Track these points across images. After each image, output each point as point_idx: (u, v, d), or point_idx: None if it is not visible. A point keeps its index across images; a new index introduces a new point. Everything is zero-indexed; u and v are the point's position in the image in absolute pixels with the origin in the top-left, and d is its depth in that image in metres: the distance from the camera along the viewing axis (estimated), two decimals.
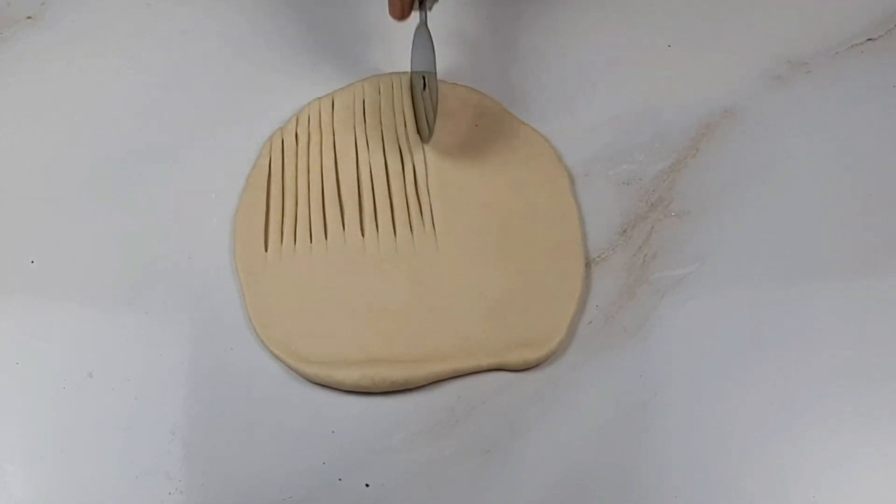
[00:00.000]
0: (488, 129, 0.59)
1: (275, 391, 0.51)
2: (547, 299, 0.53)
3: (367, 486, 0.48)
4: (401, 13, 0.53)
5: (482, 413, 0.50)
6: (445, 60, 0.62)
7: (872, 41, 0.64)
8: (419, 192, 0.57)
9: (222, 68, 0.62)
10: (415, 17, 0.55)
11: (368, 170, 0.57)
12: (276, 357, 0.51)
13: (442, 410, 0.50)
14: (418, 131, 0.59)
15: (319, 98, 0.60)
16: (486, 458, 0.49)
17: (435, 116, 0.56)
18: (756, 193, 0.58)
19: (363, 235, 0.55)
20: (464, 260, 0.54)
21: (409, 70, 0.62)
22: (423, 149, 0.58)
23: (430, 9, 0.56)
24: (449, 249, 0.55)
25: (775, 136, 0.60)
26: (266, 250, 0.54)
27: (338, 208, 0.56)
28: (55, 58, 0.62)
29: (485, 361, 0.51)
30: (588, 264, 0.55)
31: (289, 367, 0.51)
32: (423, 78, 0.57)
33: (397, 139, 0.59)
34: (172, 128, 0.59)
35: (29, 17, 0.63)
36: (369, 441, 0.49)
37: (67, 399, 0.50)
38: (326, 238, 0.55)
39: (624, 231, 0.56)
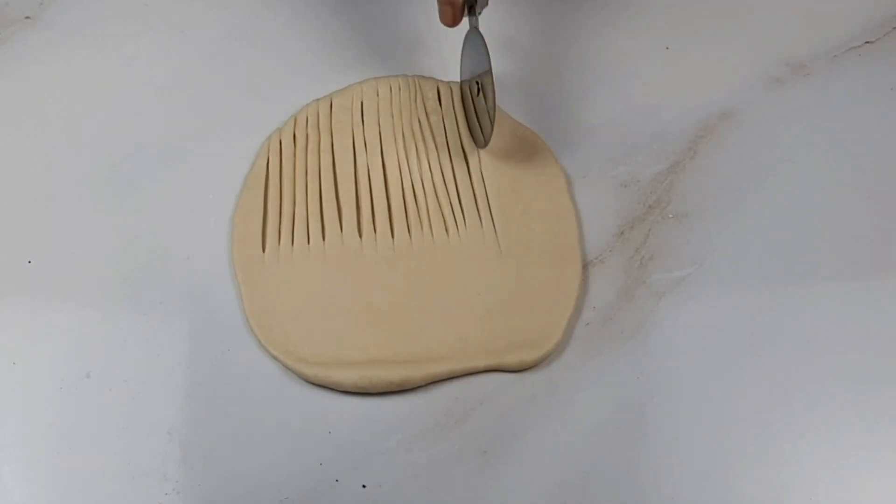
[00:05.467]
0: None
1: (272, 391, 0.51)
2: (544, 301, 0.53)
3: (364, 486, 0.48)
4: (452, 19, 0.53)
5: (480, 414, 0.50)
6: (441, 61, 0.62)
7: (870, 44, 0.64)
8: (416, 194, 0.57)
9: (221, 69, 0.62)
10: (464, 22, 0.55)
11: (366, 171, 0.57)
12: (274, 357, 0.51)
13: (440, 411, 0.50)
14: (473, 138, 0.58)
15: (318, 99, 0.60)
16: (483, 459, 0.49)
17: (493, 121, 0.55)
18: (754, 195, 0.58)
19: (361, 237, 0.55)
20: (461, 261, 0.54)
21: (407, 73, 0.62)
22: (420, 151, 0.58)
23: (480, 13, 0.55)
24: (446, 250, 0.55)
25: (773, 139, 0.60)
26: (264, 251, 0.54)
27: (335, 209, 0.56)
28: (53, 58, 0.62)
29: (482, 362, 0.51)
30: (586, 266, 0.55)
31: (286, 367, 0.51)
32: (477, 83, 0.57)
33: (395, 141, 0.59)
34: (170, 128, 0.59)
35: (27, 18, 0.63)
36: (367, 442, 0.49)
37: (65, 399, 0.50)
38: (324, 239, 0.55)
39: (622, 233, 0.56)
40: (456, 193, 0.57)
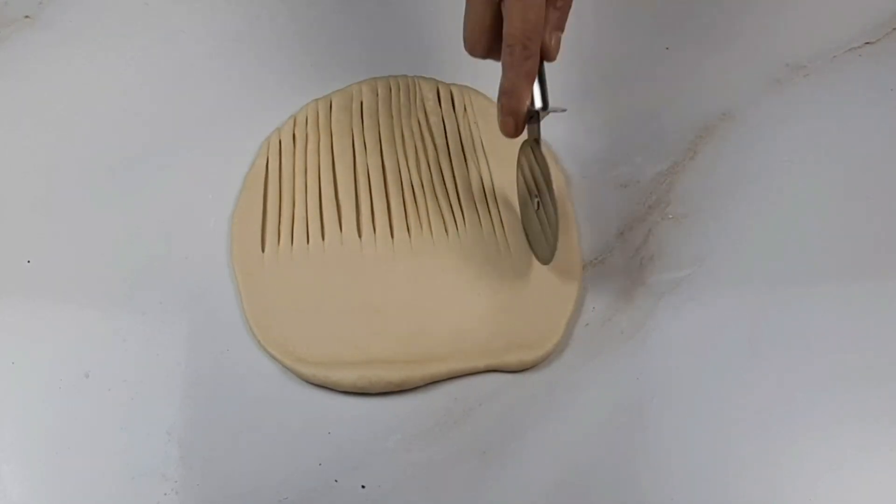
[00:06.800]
0: (485, 130, 0.59)
1: (271, 392, 0.50)
2: (544, 301, 0.53)
3: (363, 487, 0.48)
4: (514, 131, 0.49)
5: (479, 414, 0.50)
6: (441, 61, 0.62)
7: (870, 44, 0.64)
8: (416, 194, 0.57)
9: (220, 68, 0.62)
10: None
11: (366, 171, 0.57)
12: (273, 358, 0.51)
13: (439, 412, 0.50)
14: (532, 251, 0.54)
15: (317, 99, 0.60)
16: (483, 459, 0.49)
17: (556, 237, 0.51)
18: (754, 196, 0.58)
19: (360, 237, 0.55)
20: (461, 261, 0.54)
21: (407, 73, 0.62)
22: (419, 151, 0.58)
23: (543, 118, 0.50)
24: (446, 251, 0.55)
25: (773, 139, 0.60)
26: (263, 251, 0.54)
27: (335, 209, 0.56)
28: (53, 57, 0.62)
29: (482, 363, 0.51)
30: (585, 266, 0.55)
31: (286, 367, 0.51)
32: (537, 197, 0.52)
33: (394, 141, 0.59)
34: (170, 128, 0.59)
35: (27, 17, 0.63)
36: (366, 442, 0.49)
37: (64, 399, 0.50)
38: (324, 239, 0.55)
39: (621, 233, 0.56)
40: (455, 194, 0.57)
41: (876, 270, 0.55)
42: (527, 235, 0.55)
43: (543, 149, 0.52)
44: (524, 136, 0.51)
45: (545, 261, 0.53)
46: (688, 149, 0.59)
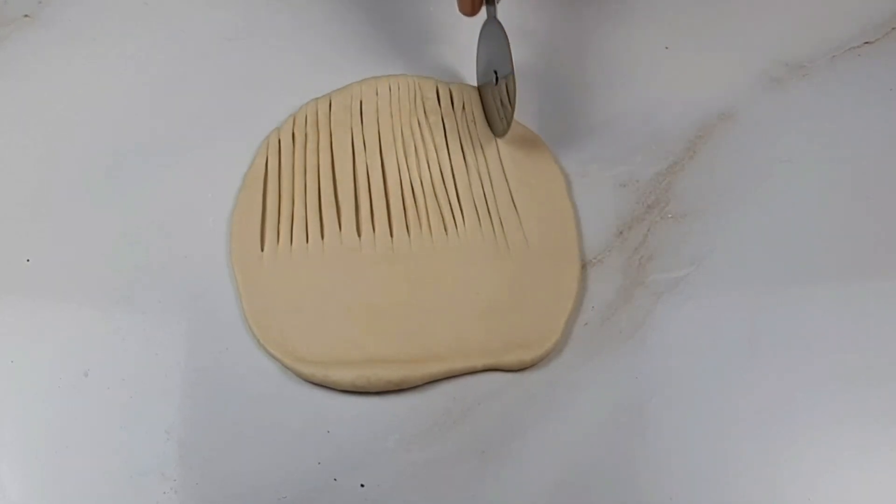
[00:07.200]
0: (484, 129, 0.59)
1: (270, 391, 0.50)
2: (543, 300, 0.53)
3: (362, 486, 0.48)
4: (471, 9, 0.53)
5: (478, 414, 0.50)
6: (441, 61, 0.62)
7: (870, 44, 0.64)
8: (415, 193, 0.57)
9: (220, 67, 0.62)
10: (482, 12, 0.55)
11: (365, 170, 0.57)
12: (272, 357, 0.51)
13: (438, 411, 0.50)
14: (490, 127, 0.59)
15: (317, 98, 0.60)
16: (482, 459, 0.49)
17: (513, 111, 0.55)
18: (753, 196, 0.57)
19: (360, 236, 0.55)
20: (460, 260, 0.54)
21: (406, 73, 0.62)
22: (419, 151, 0.58)
23: (499, 1, 0.55)
24: (445, 250, 0.55)
25: (772, 139, 0.60)
26: (262, 250, 0.54)
27: (334, 209, 0.56)
28: (52, 56, 0.62)
29: (480, 362, 0.51)
30: (584, 266, 0.55)
31: (285, 366, 0.51)
32: (496, 72, 0.56)
33: (393, 141, 0.59)
34: (169, 127, 0.59)
35: (26, 16, 0.63)
36: (365, 441, 0.49)
37: (63, 398, 0.50)
38: (323, 238, 0.55)
39: (620, 233, 0.56)
40: (455, 193, 0.57)
41: (876, 270, 0.55)
42: (485, 112, 0.59)
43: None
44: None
45: (500, 134, 0.58)
46: (687, 148, 0.59)
